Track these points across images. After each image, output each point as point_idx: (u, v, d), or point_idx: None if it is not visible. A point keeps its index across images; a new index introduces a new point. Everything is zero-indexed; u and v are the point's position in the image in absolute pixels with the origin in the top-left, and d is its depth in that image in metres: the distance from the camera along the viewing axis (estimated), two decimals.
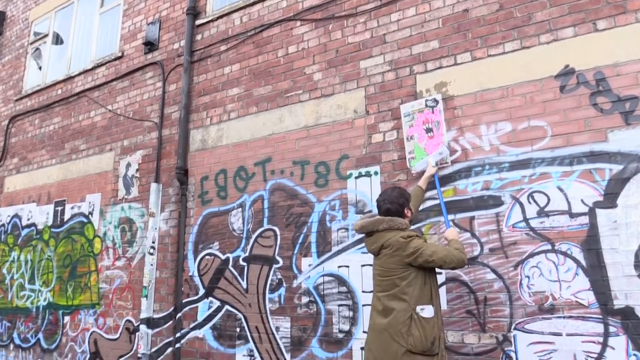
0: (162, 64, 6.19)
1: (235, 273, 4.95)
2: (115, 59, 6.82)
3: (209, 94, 5.65)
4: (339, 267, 4.34)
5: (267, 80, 5.20)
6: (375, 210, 3.29)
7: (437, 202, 3.91)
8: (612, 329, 3.22)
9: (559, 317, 3.38)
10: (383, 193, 3.23)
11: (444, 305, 3.74)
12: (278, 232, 4.75)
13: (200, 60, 5.84)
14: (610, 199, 3.36)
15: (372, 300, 3.15)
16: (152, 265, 5.55)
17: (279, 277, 4.66)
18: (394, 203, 3.13)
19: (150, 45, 6.35)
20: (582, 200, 3.44)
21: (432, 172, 3.85)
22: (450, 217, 3.86)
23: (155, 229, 5.64)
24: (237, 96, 5.40)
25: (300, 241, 4.60)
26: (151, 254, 5.57)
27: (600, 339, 3.24)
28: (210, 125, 5.55)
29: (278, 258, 4.70)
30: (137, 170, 6.08)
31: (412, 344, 2.84)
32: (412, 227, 3.80)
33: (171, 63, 6.12)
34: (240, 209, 5.04)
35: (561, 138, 3.58)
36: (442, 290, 3.78)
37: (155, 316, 5.43)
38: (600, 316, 3.26)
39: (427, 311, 2.94)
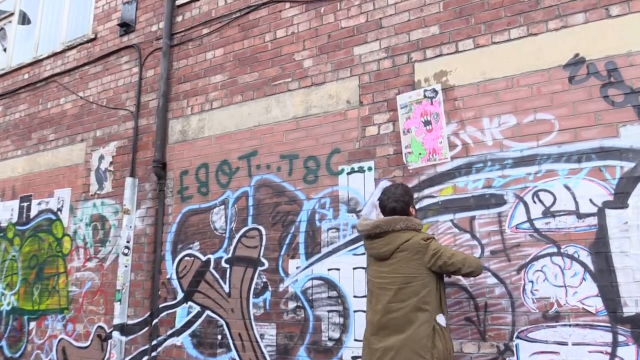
0: (139, 48, 6.14)
1: (217, 276, 4.93)
2: (87, 42, 6.75)
3: (190, 81, 5.63)
4: (329, 270, 4.33)
5: (253, 66, 5.18)
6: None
7: (435, 200, 3.93)
8: (621, 338, 3.22)
9: (565, 325, 3.38)
10: (386, 191, 3.22)
11: None
12: (263, 232, 4.73)
13: (180, 44, 5.81)
14: (620, 198, 3.36)
15: (370, 315, 3.07)
16: (126, 266, 5.51)
17: (264, 280, 4.65)
18: (399, 201, 3.13)
19: (126, 27, 6.30)
20: (590, 200, 3.44)
21: None
22: (449, 216, 3.88)
23: (130, 227, 5.61)
24: (220, 84, 5.39)
25: (287, 242, 4.58)
26: (125, 254, 5.53)
27: (609, 349, 3.24)
28: (191, 115, 5.53)
29: (263, 260, 4.69)
30: (111, 163, 6.04)
31: (437, 356, 2.83)
32: None
33: (149, 46, 6.08)
34: (222, 207, 5.03)
35: (569, 133, 3.59)
36: None
37: (130, 322, 5.39)
38: (609, 324, 3.26)
39: (441, 319, 2.95)
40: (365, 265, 3.99)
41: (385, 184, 4.13)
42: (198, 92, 5.53)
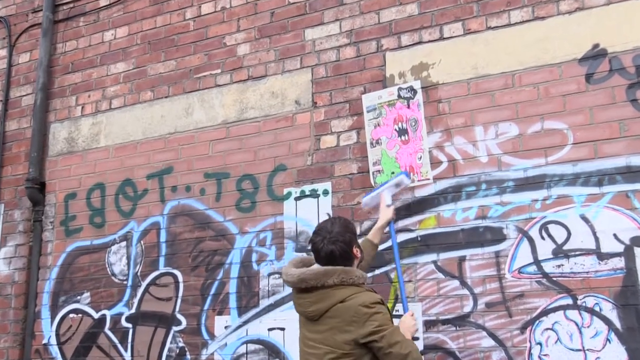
0: (7, 23, 6.05)
1: (115, 340, 4.85)
2: None
3: (81, 71, 5.58)
4: (270, 329, 4.31)
5: (169, 53, 5.16)
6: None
7: (412, 235, 3.95)
8: None
9: None
10: (321, 229, 3.18)
11: None
12: (180, 278, 4.69)
13: (68, 19, 5.75)
14: None
15: None
16: None
17: (181, 345, 4.60)
18: (338, 242, 3.07)
19: None
20: (615, 236, 3.47)
21: (388, 217, 3.74)
22: (431, 257, 3.87)
23: None
24: (123, 75, 5.35)
25: (213, 292, 4.55)
26: None
27: None
28: (81, 117, 5.46)
29: (180, 317, 4.64)
30: None
31: None
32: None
33: (23, 21, 6.00)
34: (124, 243, 4.98)
35: (587, 147, 3.64)
36: None
37: None
38: None
39: None
40: None
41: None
42: (92, 86, 5.47)
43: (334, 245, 3.05)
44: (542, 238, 3.62)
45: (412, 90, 4.10)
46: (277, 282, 4.33)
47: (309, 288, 3.04)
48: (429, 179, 3.97)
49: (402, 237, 3.96)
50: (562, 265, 3.54)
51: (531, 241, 3.64)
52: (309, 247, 3.24)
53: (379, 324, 2.89)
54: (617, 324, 3.37)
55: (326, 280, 2.99)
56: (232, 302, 4.43)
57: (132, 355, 4.71)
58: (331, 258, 3.05)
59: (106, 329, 4.87)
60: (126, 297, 4.85)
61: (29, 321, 5.18)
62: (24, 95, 5.78)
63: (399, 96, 4.14)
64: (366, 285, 3.10)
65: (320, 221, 3.33)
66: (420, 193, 3.97)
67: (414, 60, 4.18)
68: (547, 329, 3.52)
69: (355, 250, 3.14)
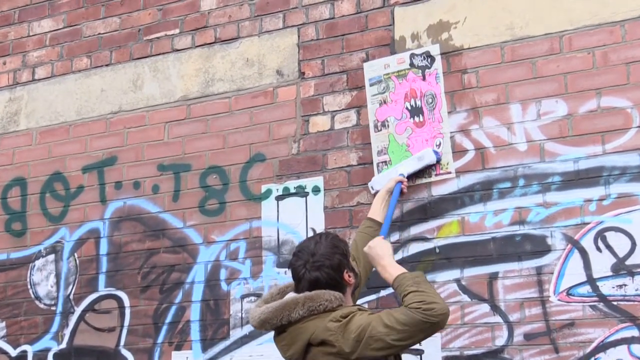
0: None
1: None
2: None
3: None
4: None
5: (112, 7, 5.21)
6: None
7: (429, 245, 3.95)
8: None
9: None
10: (302, 250, 3.20)
11: None
12: (127, 302, 4.71)
13: None
14: None
15: None
16: None
17: None
18: (323, 268, 3.08)
19: None
20: None
21: (389, 185, 3.86)
22: (454, 274, 3.85)
23: None
24: (50, 36, 5.40)
25: (169, 319, 4.58)
26: None
27: None
28: None
29: (125, 352, 4.66)
30: None
31: None
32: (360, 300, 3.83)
33: None
34: (52, 257, 5.00)
35: None
36: None
37: None
38: None
39: None
40: None
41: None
42: (8, 50, 5.56)
43: (319, 271, 3.06)
44: (599, 250, 3.60)
45: (429, 56, 4.10)
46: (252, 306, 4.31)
47: (283, 327, 3.06)
48: (450, 173, 3.97)
49: (415, 247, 3.96)
50: (625, 285, 3.52)
51: (584, 254, 3.63)
52: (288, 273, 3.24)
53: (358, 326, 2.87)
54: None
55: (289, 314, 3.00)
56: (195, 333, 4.46)
57: None
58: (315, 287, 3.06)
59: None
60: (54, 328, 4.85)
61: None
62: None
63: (412, 65, 4.14)
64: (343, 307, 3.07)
65: (304, 238, 3.29)
66: (439, 191, 3.98)
67: (431, 17, 4.18)
68: None
69: (347, 276, 3.14)
